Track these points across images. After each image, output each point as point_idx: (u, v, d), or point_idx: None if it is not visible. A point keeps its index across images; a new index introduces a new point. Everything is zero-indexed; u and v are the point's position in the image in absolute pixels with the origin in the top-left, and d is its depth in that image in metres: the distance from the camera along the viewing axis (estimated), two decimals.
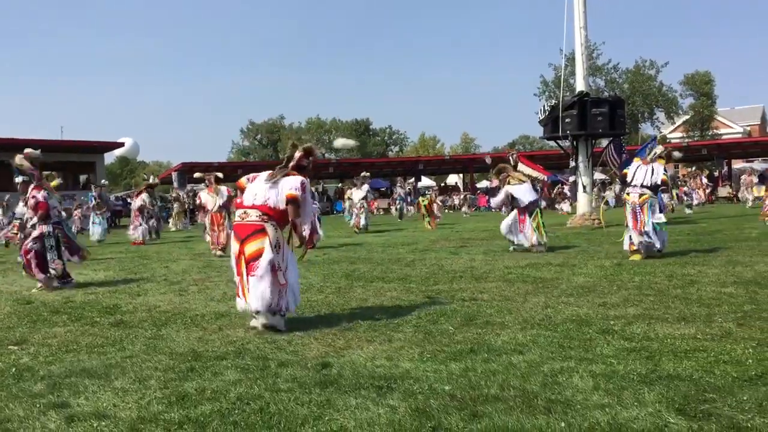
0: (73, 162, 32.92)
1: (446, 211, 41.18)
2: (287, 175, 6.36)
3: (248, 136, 76.28)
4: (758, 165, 43.16)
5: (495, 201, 14.25)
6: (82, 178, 35.77)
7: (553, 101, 20.58)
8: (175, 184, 36.28)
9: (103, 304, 8.05)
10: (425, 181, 53.50)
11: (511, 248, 12.88)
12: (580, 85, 20.02)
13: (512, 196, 12.79)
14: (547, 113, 19.90)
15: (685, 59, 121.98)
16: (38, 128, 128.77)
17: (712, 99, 59.88)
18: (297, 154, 6.53)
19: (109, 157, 54.63)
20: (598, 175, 31.41)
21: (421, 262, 11.44)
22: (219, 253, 14.04)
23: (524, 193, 12.72)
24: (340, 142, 6.86)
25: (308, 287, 8.78)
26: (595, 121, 18.76)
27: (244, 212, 6.21)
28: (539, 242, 12.64)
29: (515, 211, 12.86)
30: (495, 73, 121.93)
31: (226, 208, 14.94)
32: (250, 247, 6.05)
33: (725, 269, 8.96)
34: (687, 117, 59.44)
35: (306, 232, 6.64)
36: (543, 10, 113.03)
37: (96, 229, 21.47)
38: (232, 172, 46.40)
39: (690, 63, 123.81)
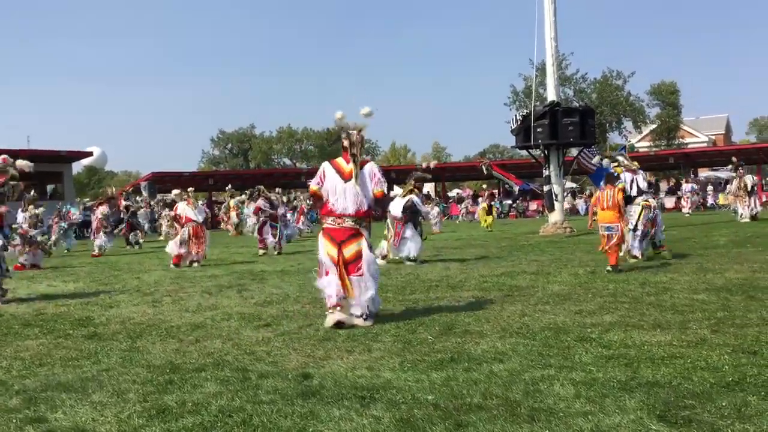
0: (40, 172, 32.31)
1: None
2: (362, 165, 6.72)
3: (218, 145, 75.66)
4: (723, 173, 43.99)
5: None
6: (49, 188, 35.19)
7: (525, 111, 20.76)
8: (145, 194, 35.83)
9: (76, 316, 7.92)
10: (397, 190, 53.54)
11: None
12: (551, 95, 20.26)
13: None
14: (519, 123, 20.10)
15: (652, 69, 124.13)
16: (4, 137, 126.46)
17: (678, 109, 60.91)
18: (355, 138, 6.75)
19: (77, 167, 53.83)
20: (568, 184, 31.84)
21: (396, 271, 11.43)
22: (195, 264, 13.94)
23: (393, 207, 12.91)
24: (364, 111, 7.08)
25: (284, 297, 8.74)
26: (567, 131, 18.99)
27: (341, 219, 6.63)
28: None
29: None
30: (465, 83, 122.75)
31: (206, 222, 15.07)
32: (349, 250, 6.57)
33: (697, 276, 9.10)
34: (654, 126, 60.34)
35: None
36: (513, 20, 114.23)
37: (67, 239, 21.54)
38: (203, 182, 46.24)
39: (656, 73, 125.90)
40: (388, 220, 13.06)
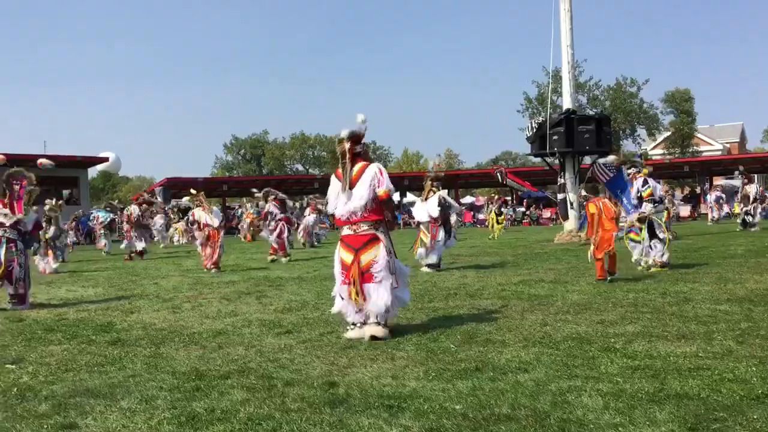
0: (56, 177, 32.63)
1: None
2: (359, 172, 6.57)
3: (231, 151, 76.02)
4: (737, 181, 43.72)
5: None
6: (65, 192, 35.44)
7: (541, 119, 20.73)
8: (160, 199, 36.01)
9: (97, 321, 7.97)
10: (410, 197, 53.54)
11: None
12: (566, 103, 20.23)
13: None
14: (534, 130, 20.07)
15: (666, 77, 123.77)
16: (22, 142, 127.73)
17: (692, 116, 60.70)
18: (347, 146, 6.68)
19: (92, 172, 54.25)
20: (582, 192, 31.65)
21: (414, 279, 11.33)
22: (214, 270, 14.01)
23: (417, 212, 13.09)
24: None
25: (303, 304, 8.77)
26: (582, 139, 18.95)
27: (356, 225, 6.56)
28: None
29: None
30: (478, 90, 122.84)
31: (221, 226, 15.14)
32: (367, 256, 6.46)
33: (717, 286, 9.04)
34: (668, 134, 60.14)
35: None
36: (527, 27, 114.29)
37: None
38: (217, 187, 46.46)
39: (670, 80, 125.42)
40: (422, 227, 12.98)
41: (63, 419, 4.14)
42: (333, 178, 6.87)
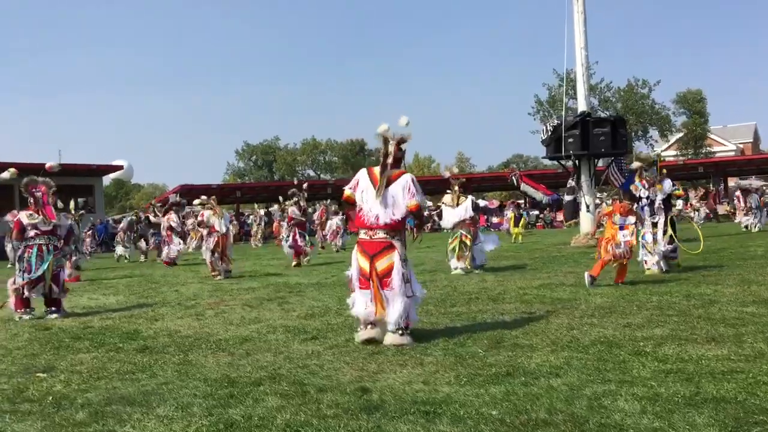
0: (71, 185, 32.83)
1: (445, 230, 41.23)
2: (393, 178, 6.52)
3: (243, 157, 76.34)
4: (756, 182, 43.45)
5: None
6: (81, 201, 35.65)
7: (556, 121, 20.69)
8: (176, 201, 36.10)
9: (123, 329, 8.01)
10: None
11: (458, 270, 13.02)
12: (581, 105, 20.21)
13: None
14: (549, 133, 20.04)
15: (677, 77, 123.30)
16: (36, 152, 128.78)
17: (705, 117, 60.40)
18: (391, 149, 6.64)
19: (105, 180, 54.52)
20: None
21: (433, 284, 11.42)
22: (219, 278, 14.08)
23: (449, 216, 13.24)
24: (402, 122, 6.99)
25: (326, 310, 8.79)
26: (598, 141, 18.91)
27: (372, 231, 6.50)
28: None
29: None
30: (488, 93, 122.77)
31: (229, 231, 15.20)
32: (382, 263, 6.41)
33: (741, 288, 8.99)
34: (680, 135, 59.84)
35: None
36: (535, 30, 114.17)
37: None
38: (231, 194, 46.62)
39: (682, 81, 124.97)
40: (463, 231, 13.06)
41: (102, 427, 4.17)
42: (364, 177, 6.69)
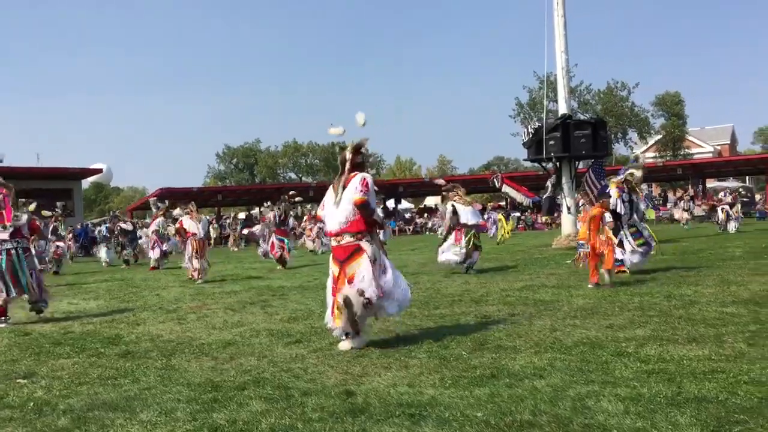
0: (50, 189, 32.55)
1: (427, 233, 41.36)
2: (346, 182, 6.46)
3: (224, 160, 75.91)
4: (732, 183, 44.03)
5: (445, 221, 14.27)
6: (59, 204, 35.32)
7: (537, 124, 20.82)
8: (155, 210, 35.86)
9: (104, 334, 7.94)
10: (405, 204, 53.67)
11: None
12: (562, 108, 20.34)
13: (455, 213, 13.50)
14: (531, 136, 20.15)
15: (656, 80, 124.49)
16: (14, 155, 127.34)
17: (683, 119, 61.08)
18: (348, 156, 6.58)
19: (84, 183, 54.07)
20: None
21: (416, 286, 11.41)
22: (199, 281, 14.05)
23: (468, 215, 13.51)
24: (331, 131, 6.92)
25: (309, 313, 8.76)
26: (578, 143, 19.04)
27: (339, 236, 6.44)
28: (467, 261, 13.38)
29: (453, 235, 13.54)
30: (469, 95, 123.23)
31: (207, 236, 15.13)
32: (351, 268, 6.33)
33: (721, 289, 9.10)
34: (659, 137, 60.43)
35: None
36: (516, 33, 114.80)
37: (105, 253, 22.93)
38: (212, 197, 46.38)
39: (660, 84, 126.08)
40: (473, 231, 13.56)
41: None
42: (329, 190, 6.70)
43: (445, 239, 13.78)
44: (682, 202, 34.91)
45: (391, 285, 6.56)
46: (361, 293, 6.20)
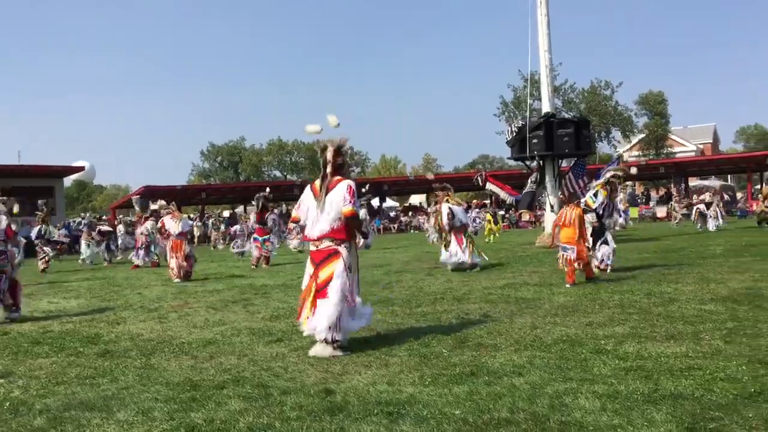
0: (31, 187, 32.24)
1: (412, 231, 41.38)
2: (330, 186, 6.33)
3: (208, 158, 75.51)
4: (713, 182, 44.42)
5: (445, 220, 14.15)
6: (40, 203, 34.98)
7: (520, 122, 20.88)
8: (137, 208, 35.61)
9: (83, 333, 7.88)
10: (390, 203, 53.66)
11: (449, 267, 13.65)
12: (545, 107, 20.38)
13: (452, 215, 13.65)
14: (514, 134, 20.20)
15: (639, 79, 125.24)
16: None
17: (666, 118, 61.52)
18: (329, 156, 6.44)
19: (66, 182, 53.63)
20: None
21: (399, 284, 11.46)
22: (177, 280, 13.98)
23: (462, 214, 13.91)
24: (308, 128, 6.84)
25: (291, 312, 8.72)
26: (561, 142, 19.11)
27: (318, 241, 6.32)
28: (473, 260, 13.54)
29: (454, 239, 13.65)
30: (454, 94, 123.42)
31: (186, 235, 15.00)
32: (325, 272, 6.22)
33: (700, 286, 9.17)
34: (642, 136, 60.83)
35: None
36: (501, 31, 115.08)
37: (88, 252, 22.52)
38: (196, 195, 46.11)
39: (644, 83, 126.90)
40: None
41: None
42: (307, 191, 6.54)
43: (446, 242, 13.75)
44: (674, 202, 35.21)
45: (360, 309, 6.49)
46: (328, 341, 6.07)
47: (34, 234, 20.22)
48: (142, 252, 19.81)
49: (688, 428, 3.71)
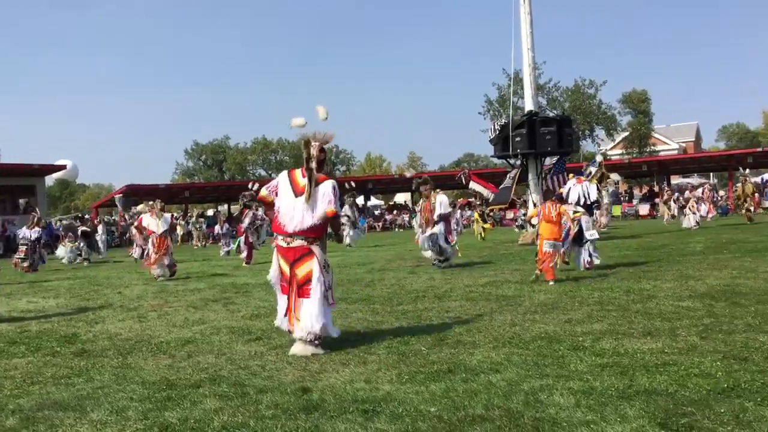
0: (12, 186, 31.94)
1: (396, 229, 41.41)
2: (317, 182, 6.25)
3: (192, 157, 75.13)
4: (696, 180, 44.77)
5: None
6: (22, 201, 34.68)
7: (503, 121, 20.93)
8: (120, 207, 35.43)
9: (61, 333, 7.81)
10: (374, 201, 53.69)
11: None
12: (528, 105, 20.45)
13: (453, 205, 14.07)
14: (497, 132, 20.26)
15: (623, 78, 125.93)
16: None
17: (649, 116, 61.97)
18: (314, 152, 6.31)
19: (48, 180, 53.14)
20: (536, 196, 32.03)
21: (381, 282, 11.46)
22: (161, 279, 13.93)
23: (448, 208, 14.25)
24: (294, 122, 6.76)
25: (271, 310, 8.67)
26: (544, 140, 19.19)
27: (290, 238, 6.19)
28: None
29: (441, 225, 13.83)
30: (439, 92, 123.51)
31: (169, 233, 14.97)
32: (302, 270, 6.16)
33: (679, 283, 9.24)
34: (626, 134, 61.21)
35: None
36: (487, 29, 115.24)
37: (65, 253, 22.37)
38: (179, 194, 45.88)
39: (627, 81, 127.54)
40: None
41: None
42: (284, 181, 6.38)
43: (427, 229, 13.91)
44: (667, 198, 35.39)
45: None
46: (311, 340, 6.05)
47: (34, 235, 19.75)
48: (137, 250, 19.86)
49: (660, 423, 3.73)
